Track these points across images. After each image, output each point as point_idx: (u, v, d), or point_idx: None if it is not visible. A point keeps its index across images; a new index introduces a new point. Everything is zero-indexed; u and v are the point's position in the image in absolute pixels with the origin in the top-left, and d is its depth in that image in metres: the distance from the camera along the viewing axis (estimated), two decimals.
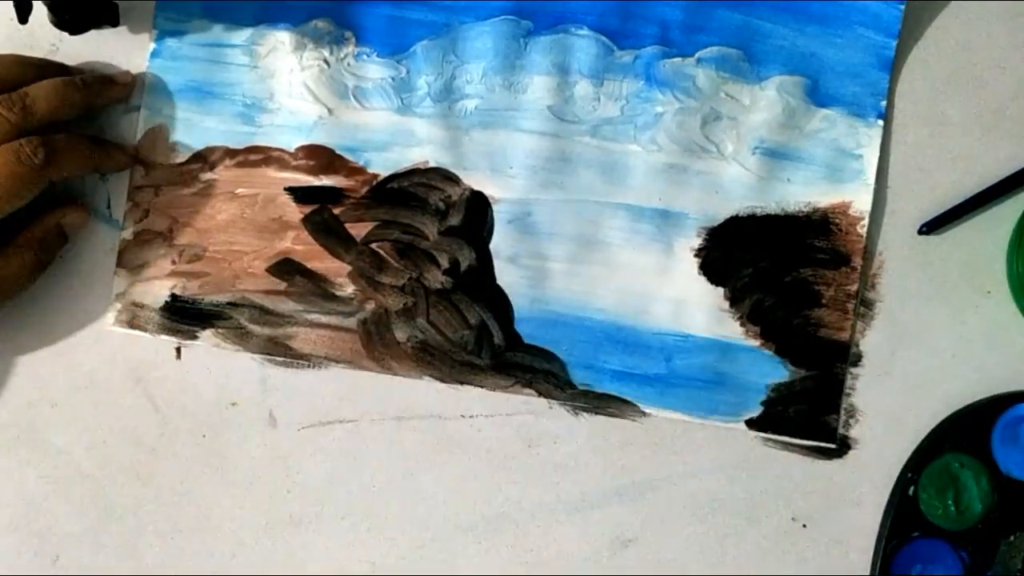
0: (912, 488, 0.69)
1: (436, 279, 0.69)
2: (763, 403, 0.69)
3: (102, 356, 0.69)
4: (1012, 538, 0.69)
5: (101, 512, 0.69)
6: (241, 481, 0.69)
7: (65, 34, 0.67)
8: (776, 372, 0.69)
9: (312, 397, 0.69)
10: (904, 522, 0.69)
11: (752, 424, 0.69)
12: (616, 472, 0.70)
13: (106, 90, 0.68)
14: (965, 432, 0.69)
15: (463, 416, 0.69)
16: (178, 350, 0.69)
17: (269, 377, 0.69)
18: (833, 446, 0.69)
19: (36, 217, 0.66)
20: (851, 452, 0.70)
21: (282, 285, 0.69)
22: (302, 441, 0.69)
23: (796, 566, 0.70)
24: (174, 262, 0.69)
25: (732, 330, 0.69)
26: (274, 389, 0.69)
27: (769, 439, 0.69)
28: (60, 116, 0.65)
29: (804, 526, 0.70)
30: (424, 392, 0.69)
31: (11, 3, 0.63)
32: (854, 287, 0.69)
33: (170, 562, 0.69)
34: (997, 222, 0.70)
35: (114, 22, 0.66)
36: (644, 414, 0.69)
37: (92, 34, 0.68)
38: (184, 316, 0.68)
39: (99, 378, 0.69)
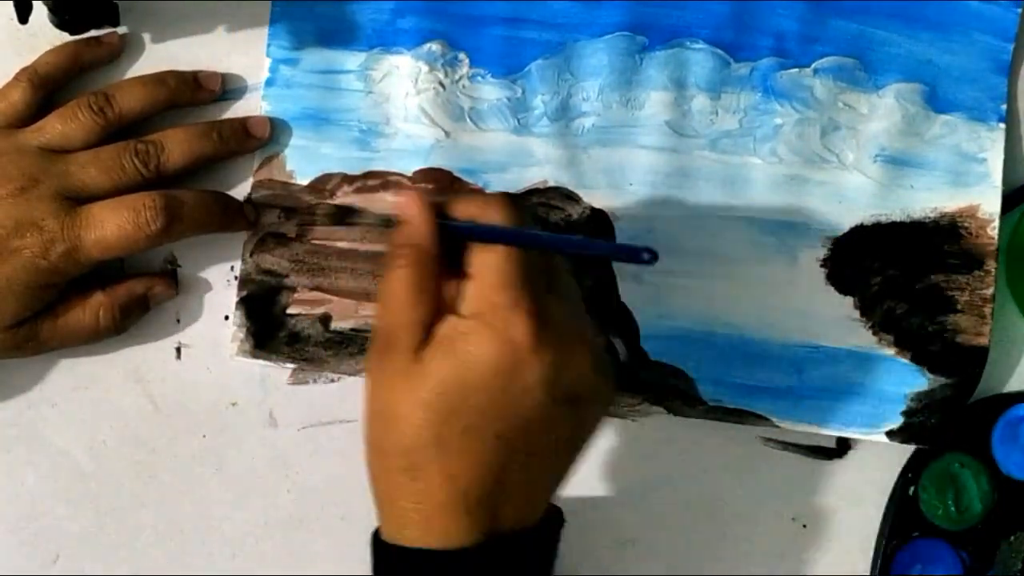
0: (912, 488, 0.69)
1: None
2: (904, 413, 0.69)
3: (102, 356, 0.68)
4: (1012, 538, 0.69)
5: (101, 512, 0.68)
6: (241, 481, 0.69)
7: (66, 34, 0.66)
8: (915, 381, 0.69)
9: (312, 397, 0.69)
10: (904, 522, 0.69)
11: (893, 435, 0.69)
12: (616, 472, 0.70)
13: (194, 91, 0.67)
14: (965, 432, 0.69)
15: None
16: (178, 350, 0.68)
17: (269, 377, 0.68)
18: None
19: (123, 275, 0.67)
20: (851, 452, 0.70)
21: None
22: (302, 441, 0.69)
23: (796, 566, 0.70)
24: (296, 290, 0.68)
25: (864, 339, 0.69)
26: (274, 389, 0.68)
27: (769, 439, 0.69)
28: (146, 115, 0.66)
29: (804, 526, 0.70)
30: None
31: (11, 3, 0.62)
32: (989, 290, 0.69)
33: (170, 562, 0.68)
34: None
35: (114, 22, 0.65)
36: (777, 428, 0.69)
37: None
38: (309, 343, 0.68)
39: (99, 378, 0.68)
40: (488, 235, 0.52)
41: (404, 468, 0.52)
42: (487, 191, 0.54)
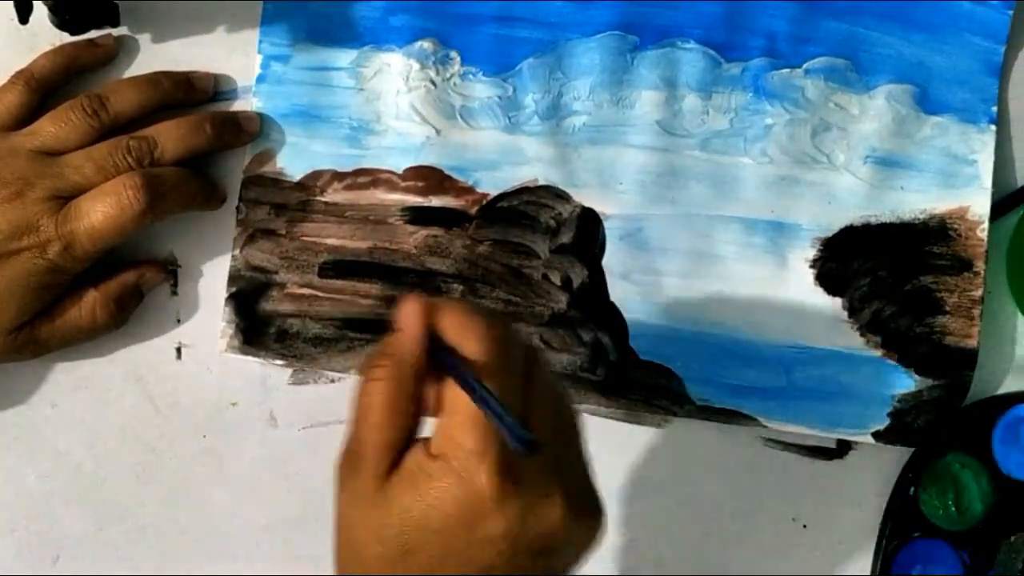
0: (912, 488, 0.69)
1: None
2: (890, 414, 0.69)
3: (102, 356, 0.68)
4: (1012, 538, 0.69)
5: (101, 512, 0.68)
6: (241, 481, 0.69)
7: (66, 34, 0.66)
8: (901, 382, 0.69)
9: (312, 397, 0.69)
10: (904, 522, 0.69)
11: (880, 436, 0.69)
12: (616, 472, 0.69)
13: (187, 92, 0.68)
14: (965, 432, 0.69)
15: None
16: (178, 350, 0.69)
17: (269, 377, 0.68)
18: None
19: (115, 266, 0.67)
20: (851, 452, 0.70)
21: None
22: (302, 441, 0.69)
23: (796, 566, 0.70)
24: (286, 287, 0.68)
25: (852, 341, 0.69)
26: (274, 389, 0.69)
27: (769, 440, 0.69)
28: (140, 115, 0.66)
29: (804, 526, 0.70)
30: None
31: (11, 3, 0.62)
32: (978, 292, 0.69)
33: (170, 562, 0.69)
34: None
35: (114, 22, 0.66)
36: (765, 428, 0.69)
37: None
38: (298, 340, 0.68)
39: (99, 378, 0.68)
40: (458, 378, 0.48)
41: None
42: (474, 307, 0.51)
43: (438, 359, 0.50)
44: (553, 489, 0.49)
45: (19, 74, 0.66)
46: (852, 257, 0.69)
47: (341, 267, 0.68)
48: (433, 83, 0.68)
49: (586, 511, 0.50)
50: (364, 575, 0.50)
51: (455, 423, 0.48)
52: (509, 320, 0.53)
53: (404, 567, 0.49)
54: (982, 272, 0.69)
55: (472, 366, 0.48)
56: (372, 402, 0.50)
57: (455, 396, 0.48)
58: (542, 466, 0.49)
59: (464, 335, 0.49)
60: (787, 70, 0.69)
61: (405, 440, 0.50)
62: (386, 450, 0.50)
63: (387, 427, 0.50)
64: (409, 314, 0.51)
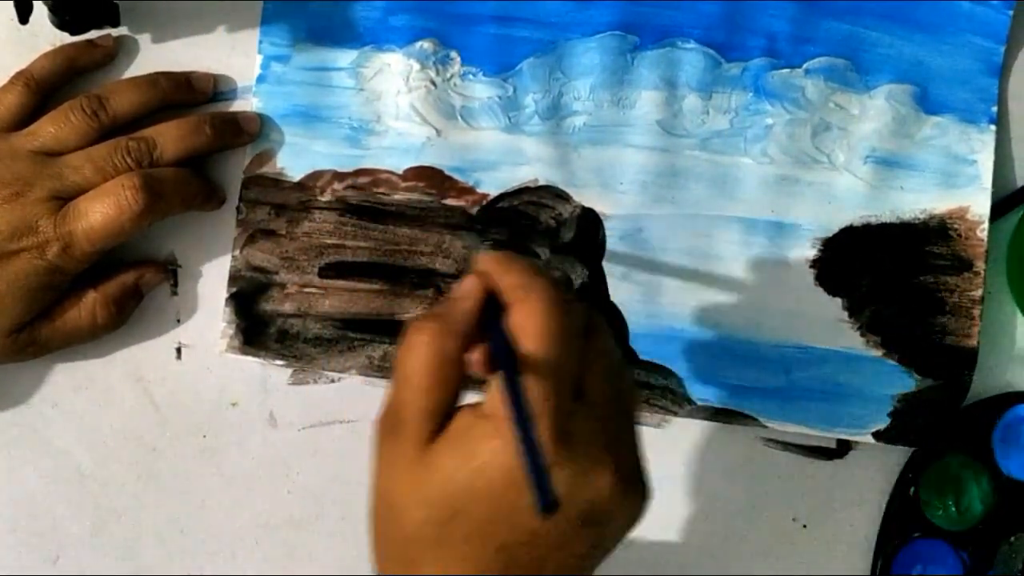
0: (912, 488, 0.69)
1: None
2: (890, 414, 0.69)
3: (102, 356, 0.68)
4: (1012, 539, 0.69)
5: (101, 512, 0.68)
6: (241, 481, 0.69)
7: (66, 34, 0.66)
8: (902, 382, 0.69)
9: (312, 397, 0.69)
10: (904, 522, 0.69)
11: (880, 436, 0.69)
12: None
13: (186, 92, 0.67)
14: (965, 432, 0.69)
15: None
16: (178, 350, 0.69)
17: (269, 377, 0.68)
18: None
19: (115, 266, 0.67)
20: (851, 452, 0.70)
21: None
22: (302, 441, 0.69)
23: (796, 566, 0.70)
24: (286, 287, 0.68)
25: (852, 341, 0.69)
26: (274, 389, 0.69)
27: (769, 440, 0.69)
28: (139, 116, 0.66)
29: (804, 526, 0.70)
30: None
31: (11, 3, 0.62)
32: (978, 292, 0.69)
33: (170, 562, 0.69)
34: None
35: (115, 23, 0.66)
36: (765, 428, 0.69)
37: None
38: (298, 341, 0.68)
39: (99, 378, 0.68)
40: (504, 364, 0.47)
41: (402, 561, 0.50)
42: (540, 272, 0.51)
43: (491, 330, 0.49)
44: (604, 457, 0.48)
45: (19, 75, 0.66)
46: (852, 257, 0.69)
47: (341, 267, 0.68)
48: (433, 83, 0.68)
49: (633, 484, 0.50)
50: (405, 541, 0.50)
51: None
52: (570, 284, 0.55)
53: (447, 532, 0.48)
54: (982, 272, 0.69)
55: (528, 358, 0.47)
56: (416, 366, 0.49)
57: None
58: (595, 434, 0.48)
59: (525, 302, 0.49)
60: (787, 70, 0.69)
61: (450, 404, 0.49)
62: (430, 416, 0.49)
63: (431, 392, 0.49)
64: (471, 288, 0.51)
